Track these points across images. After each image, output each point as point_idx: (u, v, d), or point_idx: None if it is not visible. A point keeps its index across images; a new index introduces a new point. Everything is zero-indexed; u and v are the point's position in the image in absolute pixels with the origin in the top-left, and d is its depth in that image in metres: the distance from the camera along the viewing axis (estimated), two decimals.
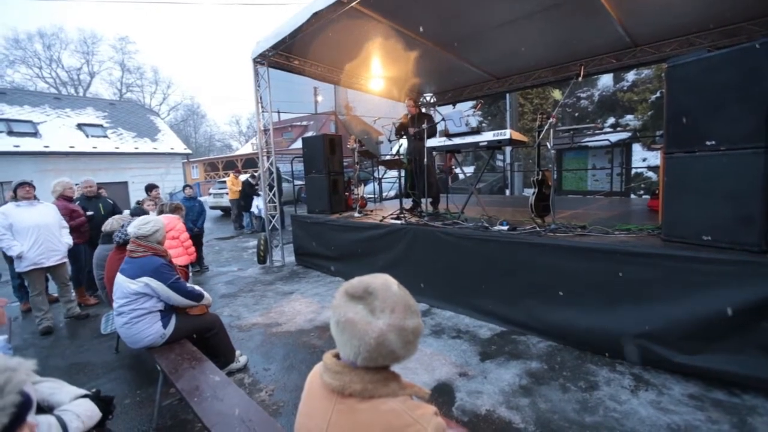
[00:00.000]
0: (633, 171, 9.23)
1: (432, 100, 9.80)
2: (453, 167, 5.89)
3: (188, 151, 24.65)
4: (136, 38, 61.29)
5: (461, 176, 9.41)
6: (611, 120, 13.13)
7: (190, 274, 6.51)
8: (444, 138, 4.24)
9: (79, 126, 20.37)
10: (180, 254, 4.45)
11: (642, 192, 9.29)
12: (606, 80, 17.19)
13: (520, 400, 2.52)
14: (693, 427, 2.17)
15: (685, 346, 2.62)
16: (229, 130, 53.86)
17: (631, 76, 13.23)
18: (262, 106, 6.70)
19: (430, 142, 4.42)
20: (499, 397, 2.56)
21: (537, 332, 3.43)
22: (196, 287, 2.87)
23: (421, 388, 1.03)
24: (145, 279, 2.48)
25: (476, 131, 3.90)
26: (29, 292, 4.32)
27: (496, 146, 3.90)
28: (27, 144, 17.57)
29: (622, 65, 6.62)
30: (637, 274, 2.84)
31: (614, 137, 8.08)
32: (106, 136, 20.94)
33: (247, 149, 32.83)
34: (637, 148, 10.22)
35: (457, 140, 4.10)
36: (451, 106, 8.75)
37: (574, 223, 3.83)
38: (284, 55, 6.68)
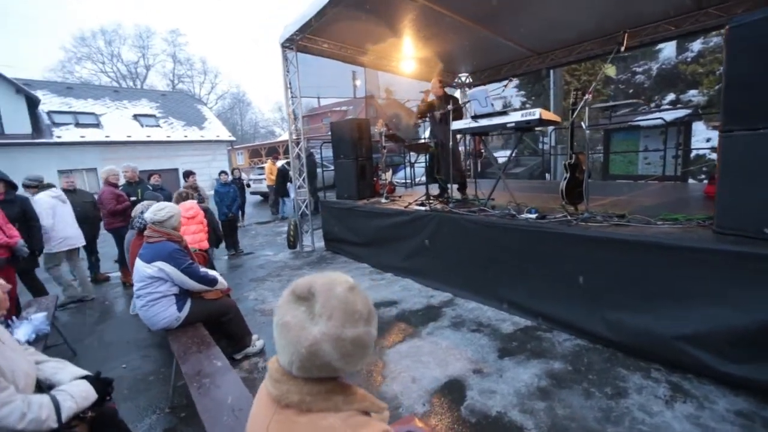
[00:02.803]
0: (694, 153, 8.29)
1: (468, 81, 9.35)
2: (482, 151, 5.56)
3: (232, 138, 25.67)
4: (186, 30, 64.22)
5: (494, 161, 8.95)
6: (671, 96, 11.84)
7: (226, 257, 6.80)
8: (469, 120, 3.98)
9: (135, 116, 21.84)
10: (204, 239, 4.61)
11: (703, 176, 8.33)
12: (668, 52, 15.49)
13: (536, 403, 2.34)
14: None
15: (734, 354, 2.29)
16: (272, 117, 55.28)
17: (697, 45, 11.78)
18: (291, 92, 6.71)
19: (456, 125, 4.18)
20: (513, 399, 2.39)
21: (564, 329, 3.19)
22: (210, 272, 2.93)
23: (376, 402, 0.92)
24: (159, 264, 2.56)
25: (503, 111, 3.61)
26: None
27: (525, 127, 3.59)
28: (91, 134, 19.14)
29: (681, 32, 5.84)
30: (680, 271, 2.50)
31: (669, 115, 7.23)
32: (158, 126, 22.32)
33: (299, 136, 33.62)
34: (700, 127, 9.14)
35: (483, 122, 3.83)
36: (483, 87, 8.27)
37: (612, 211, 3.47)
38: (312, 39, 6.60)
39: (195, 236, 4.61)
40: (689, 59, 11.98)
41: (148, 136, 21.06)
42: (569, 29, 6.43)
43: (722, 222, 2.55)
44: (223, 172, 7.15)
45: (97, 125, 19.86)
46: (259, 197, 15.94)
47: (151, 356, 3.38)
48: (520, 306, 3.55)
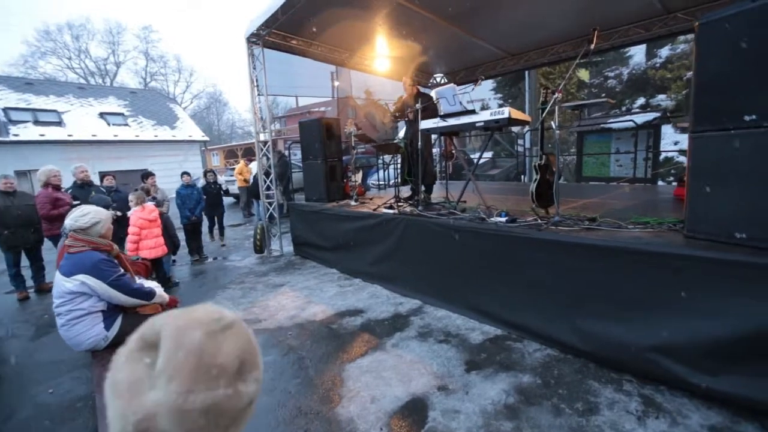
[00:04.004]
0: (663, 155, 8.44)
1: (443, 81, 9.24)
2: (453, 152, 5.42)
3: (206, 138, 24.90)
4: (159, 27, 62.20)
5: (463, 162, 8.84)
6: (641, 100, 12.11)
7: (188, 264, 6.40)
8: (437, 119, 3.81)
9: (101, 115, 20.82)
10: (163, 243, 4.31)
11: (672, 179, 8.50)
12: (638, 58, 15.91)
13: (503, 423, 2.16)
14: None
15: (708, 365, 2.17)
16: (249, 117, 54.03)
17: (665, 51, 12.10)
18: (257, 90, 6.40)
19: (424, 124, 4.00)
20: (478, 419, 2.20)
21: (534, 338, 3.04)
22: (147, 283, 2.63)
23: None
24: (81, 277, 2.24)
25: (471, 110, 3.45)
26: None
27: (494, 127, 3.44)
28: (52, 133, 18.08)
29: (651, 36, 5.89)
30: (650, 278, 2.39)
31: (640, 118, 7.32)
32: (126, 125, 21.35)
33: (266, 136, 33.03)
34: (668, 130, 9.35)
35: (451, 121, 3.66)
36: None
37: (583, 214, 3.36)
38: (281, 35, 6.32)
39: (158, 240, 4.29)
40: (658, 65, 12.29)
41: (115, 136, 20.11)
42: (542, 31, 6.39)
43: (693, 226, 2.44)
44: (185, 173, 6.74)
45: (59, 123, 18.80)
46: (231, 199, 15.40)
47: (83, 377, 3.03)
48: (489, 314, 3.39)
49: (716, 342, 2.14)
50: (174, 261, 6.60)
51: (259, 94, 6.39)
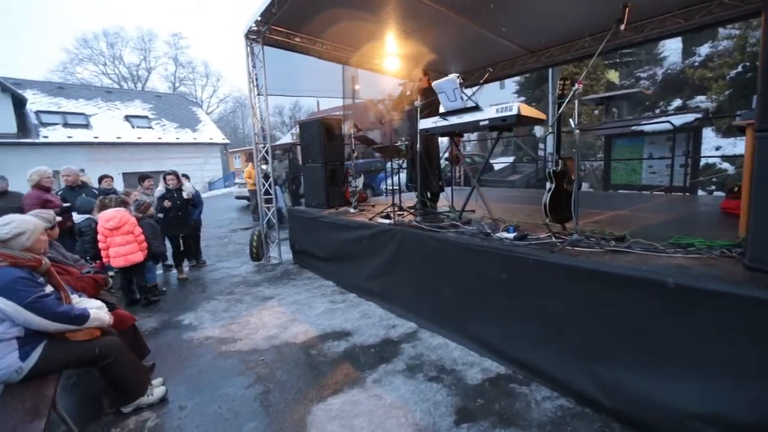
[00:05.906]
0: (702, 161, 7.59)
1: (459, 81, 8.71)
2: (458, 155, 4.92)
3: (226, 141, 25.22)
4: (189, 33, 64.21)
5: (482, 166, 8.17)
6: (677, 102, 11.15)
7: (189, 269, 6.11)
8: (437, 118, 3.33)
9: (127, 117, 21.43)
10: (134, 251, 4.01)
11: (714, 188, 7.62)
12: (674, 58, 14.86)
13: None
14: None
15: None
16: (273, 120, 54.85)
17: (704, 49, 11.12)
18: (257, 90, 6.09)
19: (423, 124, 3.52)
20: None
21: (544, 382, 2.49)
22: (84, 304, 2.27)
23: None
24: None
25: (475, 107, 2.95)
26: None
27: (501, 126, 2.93)
28: (79, 135, 18.67)
29: (692, 26, 5.17)
30: (697, 323, 1.82)
31: (678, 120, 6.54)
32: (150, 127, 21.87)
33: (287, 139, 33.34)
34: (709, 133, 8.46)
35: (452, 119, 3.18)
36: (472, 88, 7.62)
37: (608, 231, 2.79)
38: (282, 32, 6.01)
39: (120, 249, 3.98)
40: (697, 64, 11.31)
41: (139, 138, 20.61)
42: (565, 24, 5.79)
43: (758, 253, 1.86)
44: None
45: (87, 126, 19.43)
46: (245, 202, 15.34)
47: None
48: (493, 347, 2.86)
49: None
50: (170, 267, 6.35)
51: (258, 94, 6.09)
